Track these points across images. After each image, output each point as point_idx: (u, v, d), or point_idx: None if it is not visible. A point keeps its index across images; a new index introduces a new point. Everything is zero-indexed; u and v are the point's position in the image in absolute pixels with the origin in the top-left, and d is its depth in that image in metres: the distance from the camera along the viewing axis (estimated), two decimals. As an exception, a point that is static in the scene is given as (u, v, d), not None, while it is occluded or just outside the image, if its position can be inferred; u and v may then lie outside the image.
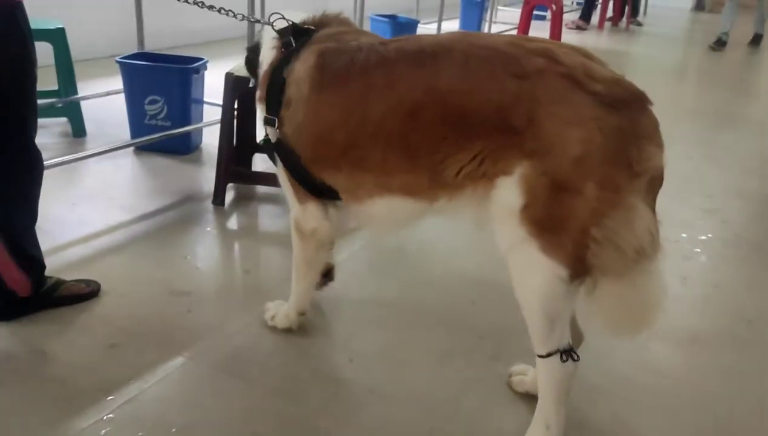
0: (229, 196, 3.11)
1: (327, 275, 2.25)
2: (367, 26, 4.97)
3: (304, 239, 1.97)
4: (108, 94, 3.97)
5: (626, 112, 1.49)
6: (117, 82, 3.92)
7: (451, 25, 7.45)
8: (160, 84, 3.46)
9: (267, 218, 2.99)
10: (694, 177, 3.82)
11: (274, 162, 1.94)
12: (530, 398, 1.88)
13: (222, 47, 6.24)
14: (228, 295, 2.35)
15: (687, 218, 3.26)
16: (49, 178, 2.77)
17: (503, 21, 7.65)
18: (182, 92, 3.48)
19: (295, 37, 1.86)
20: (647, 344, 2.20)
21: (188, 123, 3.54)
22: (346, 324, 2.23)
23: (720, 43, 8.30)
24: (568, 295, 1.55)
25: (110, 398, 1.79)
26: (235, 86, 2.94)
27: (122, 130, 3.73)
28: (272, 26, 1.92)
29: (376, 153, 1.69)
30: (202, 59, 3.62)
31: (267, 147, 1.93)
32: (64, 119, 3.82)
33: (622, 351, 2.13)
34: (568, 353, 1.60)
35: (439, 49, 1.62)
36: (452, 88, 1.58)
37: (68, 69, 3.71)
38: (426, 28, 6.33)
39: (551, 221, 1.51)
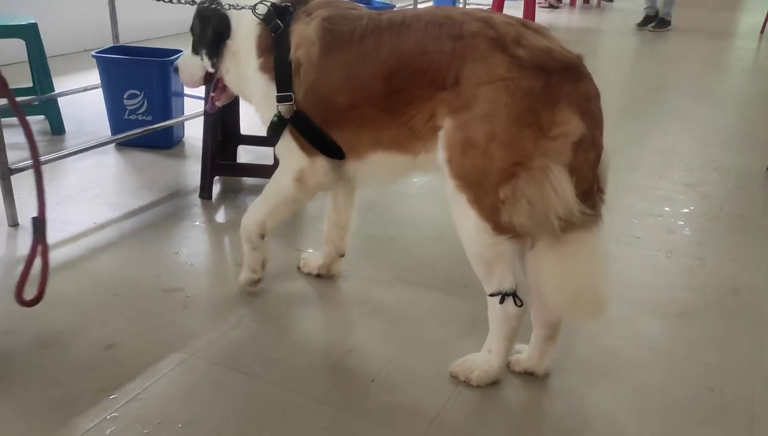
0: (216, 189, 3.10)
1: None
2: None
3: (302, 190, 2.07)
4: (85, 89, 3.91)
5: (545, 78, 1.59)
6: (93, 77, 3.87)
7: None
8: (138, 78, 3.41)
9: (255, 209, 2.98)
10: (672, 151, 3.88)
11: (276, 140, 2.04)
12: (531, 379, 1.92)
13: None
14: (222, 289, 2.35)
15: (669, 192, 3.31)
16: (28, 178, 2.75)
17: (477, 2, 7.63)
18: (162, 85, 3.44)
19: (278, 14, 1.97)
20: (637, 318, 2.25)
21: (169, 117, 3.50)
22: (343, 314, 2.25)
23: (648, 21, 7.87)
24: (496, 245, 1.69)
25: (113, 397, 1.79)
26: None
27: (102, 127, 3.69)
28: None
29: (370, 111, 1.84)
30: (180, 51, 3.57)
31: (278, 124, 1.99)
32: (41, 117, 3.75)
33: (614, 327, 2.18)
34: (508, 296, 1.75)
35: (413, 19, 1.79)
36: (410, 51, 1.75)
37: (43, 65, 3.64)
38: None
39: (469, 175, 1.66)
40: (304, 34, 1.91)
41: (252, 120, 3.32)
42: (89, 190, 3.05)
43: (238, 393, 1.84)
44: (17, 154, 3.25)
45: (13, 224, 2.65)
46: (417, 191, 3.22)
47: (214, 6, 2.09)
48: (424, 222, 2.90)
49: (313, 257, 2.46)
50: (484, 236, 1.69)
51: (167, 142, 3.56)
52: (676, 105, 4.96)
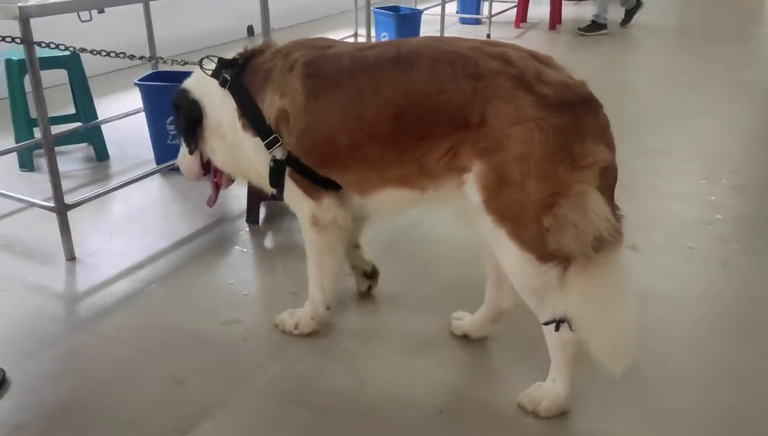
0: (262, 212, 3.12)
1: (372, 275, 2.40)
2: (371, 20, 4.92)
3: (323, 231, 2.08)
4: (127, 115, 3.96)
5: (571, 113, 1.66)
6: (133, 98, 3.93)
7: (450, 9, 7.38)
8: (180, 103, 3.44)
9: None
10: (715, 152, 3.81)
11: (281, 185, 2.03)
12: (603, 407, 1.91)
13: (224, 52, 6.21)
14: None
15: (718, 197, 3.26)
16: (82, 210, 2.81)
17: (501, 0, 7.57)
18: (203, 110, 3.47)
19: (224, 68, 2.00)
20: (701, 335, 2.22)
21: (211, 140, 3.53)
22: (402, 343, 2.24)
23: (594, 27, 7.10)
24: (543, 274, 1.73)
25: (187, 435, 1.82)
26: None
27: (145, 150, 3.73)
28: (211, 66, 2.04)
29: (374, 151, 1.84)
30: (219, 74, 3.60)
31: (278, 167, 1.98)
32: (85, 144, 3.82)
33: (678, 346, 2.15)
34: (563, 323, 1.76)
35: (413, 55, 1.80)
36: (423, 91, 1.76)
37: (85, 93, 3.71)
38: (430, 16, 6.27)
39: (509, 212, 1.71)
40: (285, 82, 1.90)
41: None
42: (138, 219, 3.10)
43: (310, 431, 1.85)
44: (70, 182, 3.33)
45: (71, 258, 2.70)
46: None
47: (182, 92, 2.12)
48: (471, 242, 2.89)
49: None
50: (529, 267, 1.73)
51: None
52: (713, 101, 4.87)
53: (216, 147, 2.12)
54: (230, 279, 2.61)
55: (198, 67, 2.07)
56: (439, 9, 6.03)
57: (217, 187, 2.32)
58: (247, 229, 3.01)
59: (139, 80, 3.52)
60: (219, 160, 2.17)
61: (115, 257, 2.74)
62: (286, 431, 1.86)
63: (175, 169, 3.46)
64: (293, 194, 2.05)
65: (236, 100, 1.98)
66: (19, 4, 2.33)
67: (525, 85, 1.66)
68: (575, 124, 1.66)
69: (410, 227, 2.92)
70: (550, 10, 7.46)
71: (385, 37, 5.50)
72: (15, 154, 3.53)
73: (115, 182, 3.37)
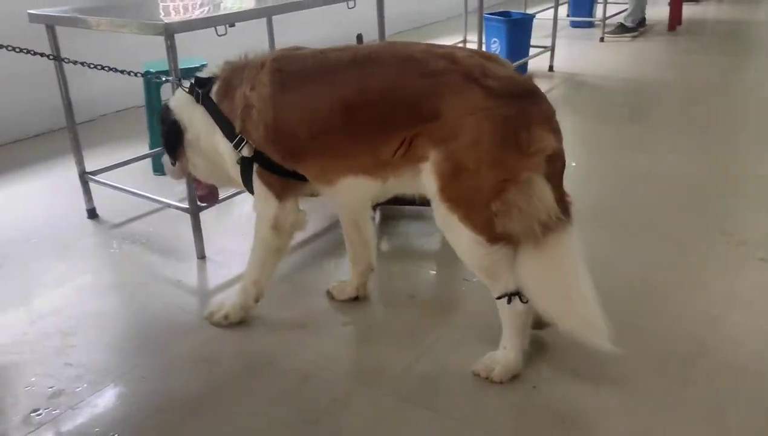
0: (376, 217, 3.19)
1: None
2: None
3: (280, 233, 2.24)
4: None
5: (517, 104, 1.79)
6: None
7: (562, 12, 7.22)
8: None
9: (418, 237, 3.05)
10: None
11: (249, 181, 2.17)
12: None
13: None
14: (398, 321, 2.42)
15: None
16: (211, 211, 2.98)
17: (616, 1, 7.31)
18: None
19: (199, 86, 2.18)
20: None
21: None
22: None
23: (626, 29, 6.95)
24: (493, 254, 1.89)
25: (315, 426, 1.90)
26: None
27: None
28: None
29: (333, 143, 1.99)
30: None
31: (245, 164, 2.13)
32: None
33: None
34: (514, 296, 1.94)
35: (368, 59, 1.96)
36: (377, 88, 1.90)
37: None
38: (542, 21, 6.17)
39: (462, 198, 1.85)
40: (256, 77, 2.05)
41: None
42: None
43: (426, 429, 1.89)
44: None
45: (201, 256, 2.88)
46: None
47: (165, 110, 2.30)
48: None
49: (345, 283, 2.52)
50: (479, 248, 1.89)
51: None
52: None
53: (197, 163, 2.30)
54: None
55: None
56: (549, 13, 5.93)
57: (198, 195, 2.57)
58: (363, 232, 3.09)
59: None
60: (201, 175, 2.39)
61: (242, 257, 2.86)
62: (405, 430, 1.90)
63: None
64: (261, 195, 2.19)
65: (208, 110, 2.15)
66: (165, 21, 2.52)
67: (473, 79, 1.80)
68: (521, 113, 1.79)
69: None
70: (670, 11, 7.15)
71: (495, 43, 5.47)
72: (149, 159, 3.81)
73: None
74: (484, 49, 4.84)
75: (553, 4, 5.79)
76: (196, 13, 2.94)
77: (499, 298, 1.97)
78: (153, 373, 2.17)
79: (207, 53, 3.96)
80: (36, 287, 2.72)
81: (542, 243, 1.81)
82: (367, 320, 2.42)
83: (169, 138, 2.28)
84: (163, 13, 3.04)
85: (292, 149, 2.06)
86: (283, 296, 2.60)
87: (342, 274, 2.65)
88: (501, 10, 5.81)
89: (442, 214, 1.90)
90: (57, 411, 2.00)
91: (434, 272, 2.79)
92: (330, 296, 2.53)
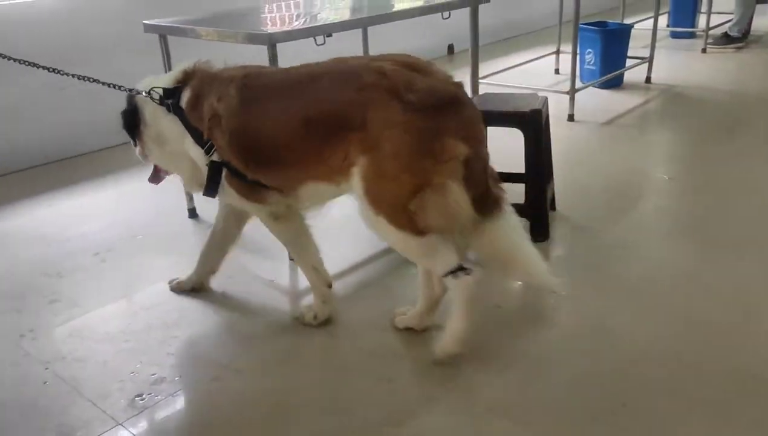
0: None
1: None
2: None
3: (285, 221, 2.40)
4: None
5: (432, 115, 1.98)
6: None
7: (662, 22, 6.98)
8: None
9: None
10: None
11: (213, 183, 2.31)
12: None
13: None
14: (483, 331, 2.41)
15: None
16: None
17: (720, 11, 6.98)
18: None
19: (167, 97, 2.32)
20: None
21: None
22: (615, 363, 2.19)
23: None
24: (423, 243, 2.08)
25: (397, 429, 1.93)
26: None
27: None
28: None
29: (292, 152, 2.16)
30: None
31: (214, 169, 2.28)
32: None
33: None
34: (458, 270, 2.09)
35: (319, 75, 2.15)
36: (323, 99, 2.09)
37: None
38: (640, 31, 5.99)
39: (384, 200, 2.05)
40: (225, 90, 2.21)
41: (496, 156, 3.40)
42: (350, 226, 3.28)
43: (513, 441, 1.88)
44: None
45: (293, 258, 2.97)
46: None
47: (130, 96, 2.44)
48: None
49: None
50: (408, 241, 2.09)
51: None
52: None
53: (154, 150, 2.46)
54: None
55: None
56: (649, 23, 5.74)
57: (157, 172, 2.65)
58: (450, 241, 3.11)
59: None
60: (155, 161, 2.54)
61: (330, 259, 2.95)
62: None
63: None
64: (241, 203, 2.38)
65: (181, 121, 2.30)
66: (269, 31, 2.64)
67: (395, 94, 1.98)
68: (435, 125, 1.99)
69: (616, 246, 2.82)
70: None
71: (589, 54, 5.36)
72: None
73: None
74: (578, 60, 4.75)
75: (652, 14, 5.60)
76: (296, 24, 3.06)
77: (444, 276, 2.13)
78: (249, 367, 2.27)
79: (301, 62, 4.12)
80: (141, 280, 2.89)
81: (477, 229, 2.10)
82: (452, 327, 2.43)
83: (126, 121, 2.47)
84: (264, 25, 3.18)
85: (255, 158, 2.22)
86: (371, 299, 2.65)
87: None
88: (597, 20, 5.69)
89: (367, 214, 2.09)
90: (159, 397, 2.13)
91: (521, 284, 2.77)
92: (173, 288, 2.73)
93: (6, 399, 2.16)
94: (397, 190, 2.01)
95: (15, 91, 4.09)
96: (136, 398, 2.13)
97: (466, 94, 2.12)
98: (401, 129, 1.98)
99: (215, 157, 2.26)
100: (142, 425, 2.03)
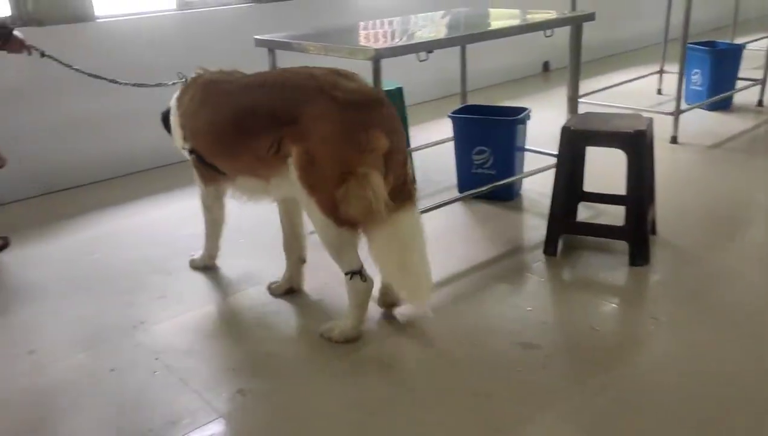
0: (559, 245, 3.15)
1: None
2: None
3: (209, 209, 2.99)
4: (436, 144, 4.33)
5: (357, 111, 2.26)
6: (441, 129, 4.26)
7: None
8: (487, 135, 3.67)
9: (601, 270, 2.96)
10: None
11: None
12: None
13: (519, 86, 6.40)
14: (579, 352, 2.38)
15: None
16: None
17: None
18: (508, 143, 3.65)
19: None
20: None
21: (512, 171, 3.69)
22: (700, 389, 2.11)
23: None
24: (340, 236, 2.35)
25: (488, 448, 1.94)
26: (572, 139, 2.99)
27: (446, 177, 4.04)
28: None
29: (229, 146, 2.53)
30: (525, 109, 3.76)
31: (190, 154, 2.81)
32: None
33: None
34: (356, 274, 2.40)
35: (264, 80, 2.52)
36: (258, 102, 2.45)
37: (403, 125, 4.12)
38: (753, 52, 5.71)
39: (315, 184, 2.30)
40: (191, 93, 2.72)
41: (594, 176, 3.35)
42: (442, 240, 3.34)
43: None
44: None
45: (386, 267, 3.04)
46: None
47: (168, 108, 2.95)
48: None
49: (279, 282, 2.87)
50: (330, 229, 2.34)
51: (508, 195, 3.75)
52: None
53: (175, 139, 2.91)
54: (528, 306, 2.70)
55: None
56: (762, 43, 5.47)
57: None
58: (544, 260, 3.08)
59: (453, 113, 3.83)
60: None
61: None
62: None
63: (478, 197, 3.71)
64: (196, 179, 2.89)
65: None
66: (374, 47, 2.73)
67: (323, 91, 2.28)
68: (361, 119, 2.25)
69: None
70: None
71: (696, 75, 5.16)
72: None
73: (422, 205, 3.69)
74: (684, 80, 4.59)
75: (766, 35, 5.34)
76: (398, 41, 3.14)
77: (345, 274, 2.42)
78: (341, 372, 2.34)
79: (393, 77, 4.21)
80: (242, 282, 3.03)
81: (384, 223, 2.28)
82: (547, 345, 2.41)
83: (163, 118, 2.99)
84: (365, 40, 3.28)
85: (208, 149, 2.68)
86: (459, 314, 2.67)
87: (514, 299, 2.65)
88: (706, 39, 5.48)
89: (304, 198, 2.36)
90: (257, 394, 2.23)
91: (617, 306, 2.70)
92: (270, 291, 2.87)
93: (120, 384, 2.32)
94: (326, 174, 2.27)
95: (135, 99, 4.39)
96: (237, 393, 2.23)
97: (386, 96, 2.43)
98: (329, 120, 2.26)
99: (187, 146, 2.78)
100: (243, 418, 2.13)
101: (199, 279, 3.06)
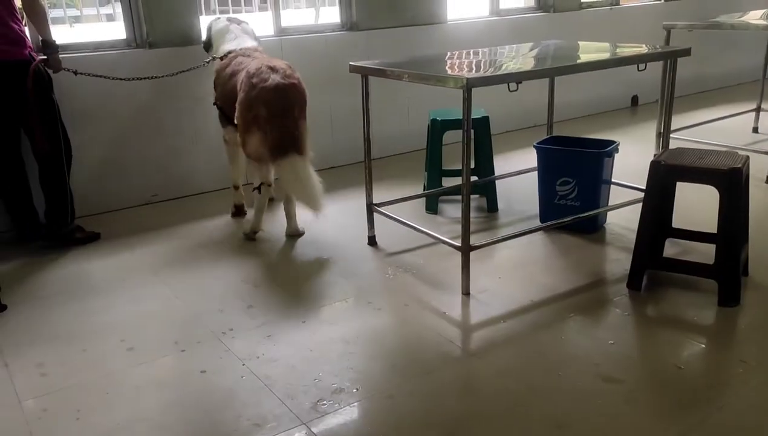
0: (644, 280, 3.10)
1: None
2: None
3: (227, 142, 4.09)
4: (519, 173, 4.34)
5: (257, 89, 3.46)
6: (525, 158, 4.26)
7: None
8: (573, 167, 3.66)
9: (688, 308, 2.89)
10: None
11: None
12: None
13: (607, 119, 6.32)
14: (663, 390, 2.33)
15: None
16: (477, 252, 3.15)
17: None
18: (594, 175, 3.63)
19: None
20: None
21: (597, 204, 3.66)
22: None
23: None
24: (250, 164, 3.77)
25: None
26: (662, 174, 2.95)
27: (529, 207, 4.04)
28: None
29: (231, 106, 3.69)
30: (613, 142, 3.73)
31: (217, 108, 4.05)
32: (477, 195, 4.28)
33: None
34: (257, 189, 3.75)
35: (246, 67, 3.66)
36: (238, 79, 3.66)
37: (487, 152, 4.16)
38: None
39: (239, 131, 3.64)
40: (225, 66, 3.87)
41: (683, 213, 3.29)
42: (522, 268, 3.36)
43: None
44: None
45: (466, 292, 3.07)
46: None
47: None
48: None
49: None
50: (249, 161, 3.76)
51: (592, 227, 3.71)
52: None
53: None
54: (610, 339, 2.66)
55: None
56: None
57: None
58: (627, 293, 3.03)
59: (538, 143, 3.84)
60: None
61: (502, 298, 3.03)
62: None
63: (561, 228, 3.69)
64: (221, 122, 4.05)
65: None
66: (467, 77, 2.80)
67: (249, 77, 3.49)
68: (256, 96, 3.44)
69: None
70: None
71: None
72: (423, 199, 4.18)
73: (504, 232, 3.73)
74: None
75: None
76: (488, 71, 3.20)
77: (253, 190, 3.75)
78: (420, 391, 2.38)
79: (481, 106, 4.26)
80: (324, 297, 3.13)
81: (274, 163, 3.54)
82: (630, 380, 2.37)
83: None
84: (453, 69, 3.36)
85: (225, 105, 3.86)
86: (539, 343, 2.66)
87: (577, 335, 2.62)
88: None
89: (239, 142, 3.67)
90: (337, 405, 2.30)
91: (705, 347, 2.63)
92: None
93: (210, 386, 2.45)
94: (239, 125, 3.58)
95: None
96: (319, 403, 2.31)
97: (289, 85, 3.46)
98: (243, 95, 3.50)
99: (217, 102, 4.00)
100: (324, 427, 2.20)
101: (285, 292, 3.19)
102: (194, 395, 2.40)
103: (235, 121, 3.61)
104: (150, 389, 2.44)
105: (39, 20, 3.60)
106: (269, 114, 3.40)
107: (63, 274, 3.47)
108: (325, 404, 2.31)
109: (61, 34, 3.70)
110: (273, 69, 3.48)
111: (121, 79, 4.06)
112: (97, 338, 2.81)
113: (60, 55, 3.71)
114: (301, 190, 3.51)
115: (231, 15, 4.44)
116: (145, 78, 4.12)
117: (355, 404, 2.32)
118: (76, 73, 3.82)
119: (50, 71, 3.67)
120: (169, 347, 2.72)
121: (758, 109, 5.60)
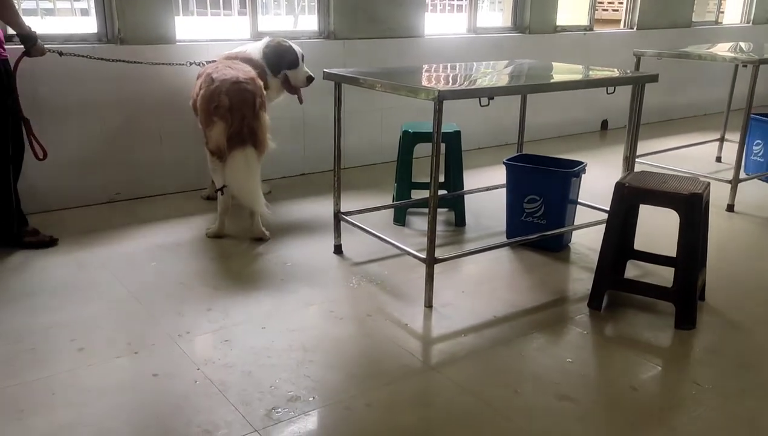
0: (604, 300, 3.13)
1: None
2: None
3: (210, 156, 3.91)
4: (488, 189, 4.37)
5: (217, 85, 3.60)
6: (494, 175, 4.28)
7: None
8: (541, 185, 3.69)
9: (645, 329, 2.92)
10: None
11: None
12: None
13: (576, 141, 6.41)
14: (615, 411, 2.35)
15: None
16: (442, 265, 3.15)
17: None
18: (561, 194, 3.66)
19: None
20: None
21: (563, 223, 3.69)
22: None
23: None
24: (213, 162, 3.75)
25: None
26: (625, 196, 2.99)
27: (496, 223, 4.07)
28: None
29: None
30: (581, 163, 3.78)
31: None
32: (445, 209, 4.30)
33: None
34: (220, 190, 3.76)
35: (214, 68, 3.80)
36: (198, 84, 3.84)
37: (457, 166, 4.18)
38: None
39: (202, 127, 3.74)
40: (204, 71, 3.88)
41: (645, 235, 3.33)
42: (486, 284, 3.36)
43: None
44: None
45: (429, 305, 3.06)
46: None
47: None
48: None
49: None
50: (209, 157, 3.76)
51: (557, 246, 3.74)
52: None
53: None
54: (568, 357, 2.67)
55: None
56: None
57: None
58: (588, 313, 3.05)
59: (508, 160, 3.87)
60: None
61: (465, 313, 3.03)
62: None
63: (526, 245, 3.72)
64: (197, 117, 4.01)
65: None
66: (438, 89, 2.81)
67: (211, 76, 3.66)
68: (216, 90, 3.57)
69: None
70: None
71: (758, 145, 5.10)
72: (392, 209, 4.17)
73: (470, 247, 3.74)
74: (745, 149, 4.55)
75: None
76: (462, 85, 3.22)
77: (217, 190, 3.79)
78: (377, 403, 2.35)
79: (453, 120, 4.28)
80: (286, 304, 3.09)
81: (227, 157, 3.57)
82: (583, 399, 2.39)
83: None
84: (428, 82, 3.37)
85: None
86: (498, 358, 2.66)
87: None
88: (769, 110, 5.42)
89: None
90: (292, 414, 2.26)
91: (660, 368, 2.66)
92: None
93: (161, 390, 2.39)
94: (202, 120, 3.68)
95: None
96: (273, 410, 2.27)
97: (248, 78, 3.65)
98: (203, 93, 3.63)
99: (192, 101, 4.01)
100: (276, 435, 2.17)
101: (245, 297, 3.14)
102: (144, 399, 2.34)
103: (199, 121, 3.73)
104: (98, 392, 2.37)
105: (6, 14, 3.39)
106: (231, 103, 3.52)
107: (15, 271, 3.37)
108: (280, 412, 2.27)
109: (31, 26, 3.57)
110: (232, 68, 3.73)
111: (104, 59, 4.01)
112: (46, 337, 2.72)
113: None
114: (245, 183, 3.59)
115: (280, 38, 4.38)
116: (126, 61, 4.05)
117: (311, 413, 2.28)
118: (61, 54, 3.77)
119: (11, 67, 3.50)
120: (122, 348, 2.65)
121: (722, 139, 5.74)
